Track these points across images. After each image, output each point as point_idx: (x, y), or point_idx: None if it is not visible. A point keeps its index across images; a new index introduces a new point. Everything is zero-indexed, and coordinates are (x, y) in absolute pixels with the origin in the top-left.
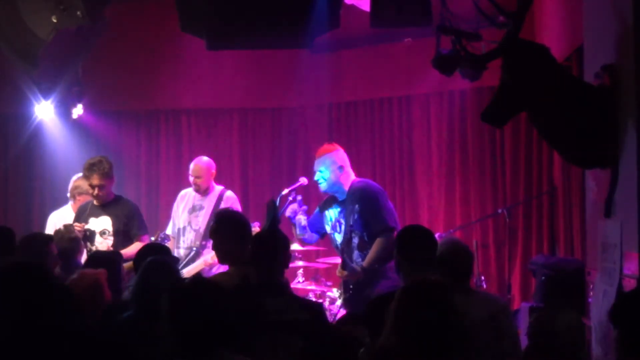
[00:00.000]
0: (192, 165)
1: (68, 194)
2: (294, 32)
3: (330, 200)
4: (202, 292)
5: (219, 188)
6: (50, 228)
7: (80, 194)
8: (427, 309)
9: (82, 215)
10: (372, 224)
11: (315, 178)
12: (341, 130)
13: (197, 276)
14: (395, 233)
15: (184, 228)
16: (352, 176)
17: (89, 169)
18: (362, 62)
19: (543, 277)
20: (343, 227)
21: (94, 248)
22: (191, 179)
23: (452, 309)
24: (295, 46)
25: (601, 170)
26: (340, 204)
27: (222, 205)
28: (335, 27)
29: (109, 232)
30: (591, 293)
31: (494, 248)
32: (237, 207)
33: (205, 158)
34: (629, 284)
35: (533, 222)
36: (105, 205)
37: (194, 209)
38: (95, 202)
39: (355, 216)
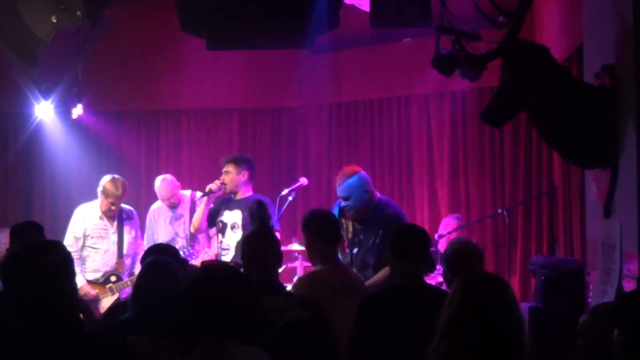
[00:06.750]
0: (163, 190)
1: (98, 189)
2: (294, 32)
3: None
4: (224, 276)
5: (187, 193)
6: (77, 220)
7: (103, 193)
8: (492, 306)
9: (220, 208)
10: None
11: (346, 209)
12: (341, 130)
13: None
14: None
15: (173, 239)
16: (376, 195)
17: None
18: (362, 62)
19: (543, 278)
20: (362, 243)
21: (224, 240)
22: (165, 202)
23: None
24: (296, 46)
25: (601, 170)
26: (363, 221)
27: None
28: (335, 27)
29: (237, 225)
30: (591, 293)
31: (494, 248)
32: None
33: (168, 176)
34: (629, 284)
35: (533, 223)
36: (241, 200)
37: (174, 219)
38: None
39: (377, 240)
